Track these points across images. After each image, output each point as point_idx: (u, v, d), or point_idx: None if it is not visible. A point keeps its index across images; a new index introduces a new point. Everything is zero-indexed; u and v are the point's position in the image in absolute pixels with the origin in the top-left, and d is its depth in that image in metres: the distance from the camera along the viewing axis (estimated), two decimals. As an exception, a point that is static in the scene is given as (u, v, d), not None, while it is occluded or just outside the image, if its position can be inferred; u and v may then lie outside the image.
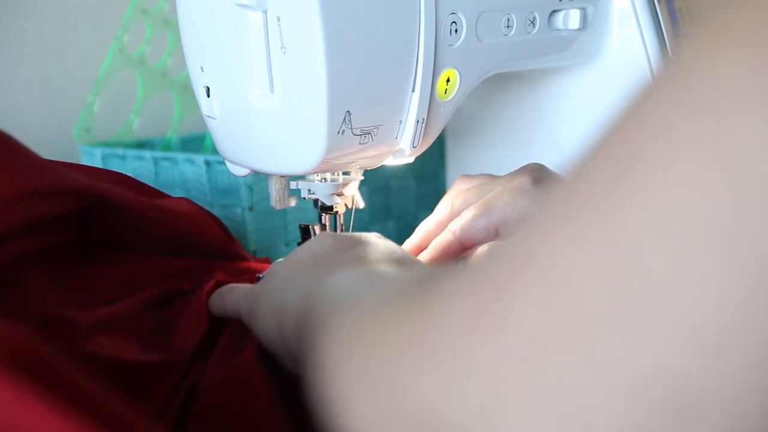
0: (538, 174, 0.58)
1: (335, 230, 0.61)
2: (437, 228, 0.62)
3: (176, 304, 0.51)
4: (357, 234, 0.50)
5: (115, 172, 0.56)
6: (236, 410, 0.41)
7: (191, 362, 0.46)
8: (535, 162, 0.60)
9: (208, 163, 0.75)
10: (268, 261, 0.62)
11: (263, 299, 0.46)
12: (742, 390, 0.22)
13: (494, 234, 0.58)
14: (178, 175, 0.78)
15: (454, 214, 0.61)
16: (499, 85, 0.77)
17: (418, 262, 0.46)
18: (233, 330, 0.49)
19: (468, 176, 0.64)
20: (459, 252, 0.59)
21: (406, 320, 0.28)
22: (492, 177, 0.62)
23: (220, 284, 0.53)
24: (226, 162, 0.59)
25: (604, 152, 0.25)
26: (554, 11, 0.65)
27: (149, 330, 0.48)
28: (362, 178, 0.61)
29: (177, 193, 0.78)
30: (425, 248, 0.61)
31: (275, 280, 0.47)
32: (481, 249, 0.56)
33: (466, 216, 0.58)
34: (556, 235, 0.25)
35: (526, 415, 0.24)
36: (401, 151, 0.57)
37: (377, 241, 0.48)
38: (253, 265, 0.59)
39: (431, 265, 0.39)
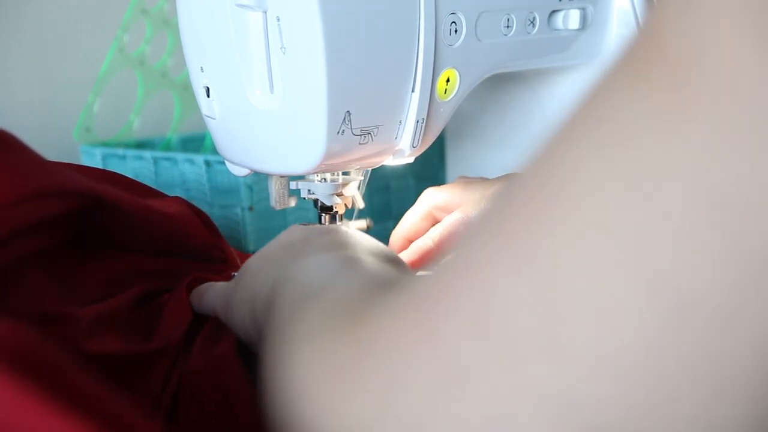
0: None
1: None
2: (418, 224, 0.64)
3: (162, 300, 0.52)
4: (328, 225, 0.51)
5: (107, 171, 0.56)
6: (215, 398, 0.42)
7: (179, 351, 0.46)
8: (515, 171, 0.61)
9: (208, 163, 0.75)
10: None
11: (236, 293, 0.47)
12: (657, 417, 0.22)
13: None
14: (178, 175, 0.78)
15: (437, 208, 0.63)
16: (499, 85, 0.77)
17: (386, 255, 0.46)
18: (214, 322, 0.50)
19: (466, 177, 0.65)
20: (437, 256, 0.60)
21: (351, 335, 0.29)
22: (481, 180, 0.63)
23: (199, 280, 0.53)
24: (226, 162, 0.59)
25: (534, 176, 0.26)
26: (554, 11, 0.65)
27: (139, 324, 0.49)
28: (362, 178, 0.61)
29: (177, 193, 0.78)
30: (407, 238, 0.64)
31: (247, 274, 0.47)
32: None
33: (445, 223, 0.60)
34: (480, 260, 0.25)
35: None
36: (401, 151, 0.57)
37: (347, 231, 0.49)
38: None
39: (396, 269, 0.40)
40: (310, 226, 0.51)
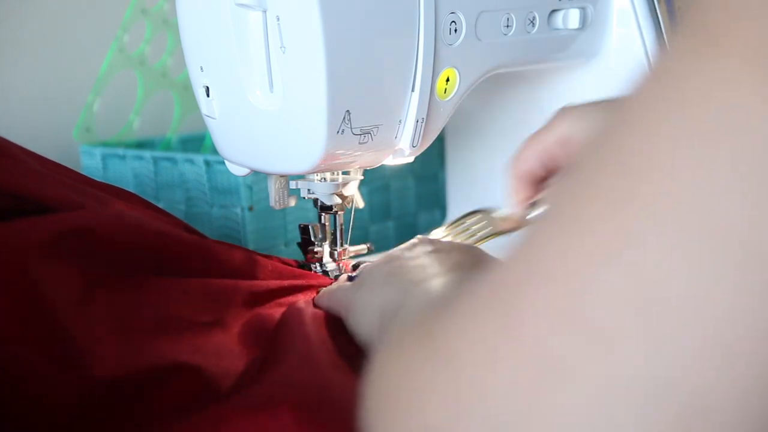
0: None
1: (335, 230, 0.61)
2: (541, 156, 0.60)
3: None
4: (452, 245, 0.53)
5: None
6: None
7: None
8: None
9: (207, 163, 0.75)
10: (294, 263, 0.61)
11: (362, 298, 0.49)
12: (750, 395, 0.22)
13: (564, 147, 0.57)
14: (177, 175, 0.78)
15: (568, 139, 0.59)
16: (499, 85, 0.77)
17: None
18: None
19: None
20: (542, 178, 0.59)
21: (427, 343, 0.28)
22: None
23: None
24: (226, 162, 0.59)
25: (609, 142, 0.25)
26: (554, 11, 0.65)
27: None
28: (362, 177, 0.61)
29: (177, 194, 0.78)
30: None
31: (375, 281, 0.49)
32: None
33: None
34: (561, 251, 0.24)
35: None
36: (401, 150, 0.57)
37: (472, 254, 0.50)
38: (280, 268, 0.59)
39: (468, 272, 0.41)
40: (438, 243, 0.52)
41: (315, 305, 0.54)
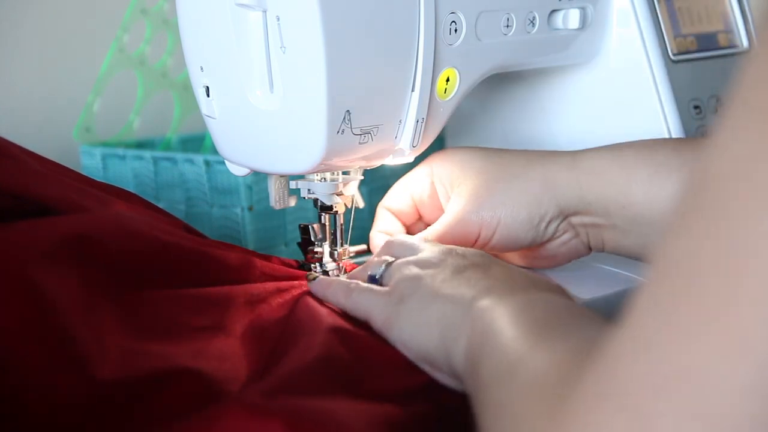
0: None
1: (335, 230, 0.61)
2: (408, 195, 0.64)
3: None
4: (470, 249, 0.53)
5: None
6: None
7: None
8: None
9: (207, 163, 0.75)
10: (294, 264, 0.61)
11: (412, 311, 0.48)
12: None
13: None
14: (177, 175, 0.78)
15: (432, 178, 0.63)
16: (499, 85, 0.77)
17: (558, 289, 0.48)
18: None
19: (466, 152, 0.64)
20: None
21: (560, 420, 0.29)
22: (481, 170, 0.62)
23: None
24: (226, 162, 0.59)
25: (705, 233, 0.25)
26: (554, 11, 0.65)
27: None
28: (362, 177, 0.61)
29: (177, 194, 0.78)
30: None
31: (419, 295, 0.48)
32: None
33: (440, 230, 0.60)
34: (682, 345, 0.25)
35: None
36: (401, 150, 0.57)
37: (497, 260, 0.51)
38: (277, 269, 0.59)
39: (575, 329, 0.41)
40: (457, 248, 0.53)
41: (311, 294, 0.54)
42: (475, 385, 0.40)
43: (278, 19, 0.50)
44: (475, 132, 0.82)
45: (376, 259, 0.57)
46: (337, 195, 0.60)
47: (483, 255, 0.53)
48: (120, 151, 0.82)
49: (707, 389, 0.24)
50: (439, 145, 0.86)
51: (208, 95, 0.56)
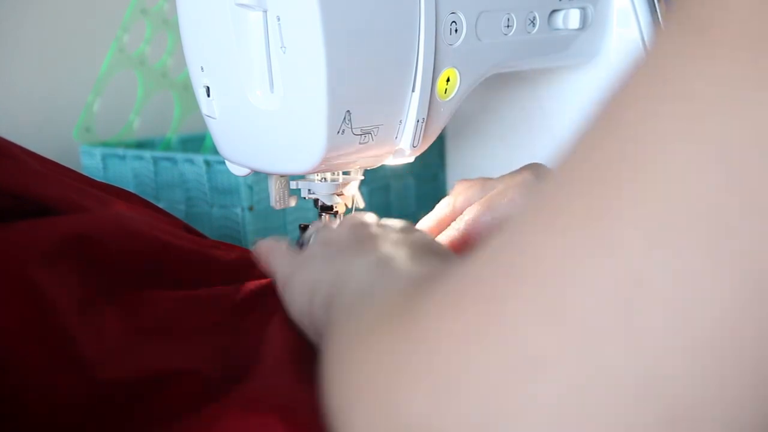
0: (539, 171, 0.58)
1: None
2: (438, 225, 0.62)
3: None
4: (396, 221, 0.51)
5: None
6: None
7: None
8: (535, 162, 0.60)
9: (208, 163, 0.75)
10: None
11: (298, 275, 0.48)
12: (738, 399, 0.22)
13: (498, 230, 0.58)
14: (178, 175, 0.78)
15: (456, 212, 0.61)
16: (499, 85, 0.77)
17: (442, 251, 0.47)
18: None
19: (466, 180, 0.64)
20: (463, 248, 0.59)
21: (403, 331, 0.28)
22: (485, 179, 0.62)
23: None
24: (226, 162, 0.59)
25: (593, 141, 0.25)
26: (554, 11, 0.65)
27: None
28: (362, 177, 0.61)
29: (177, 194, 0.78)
30: None
31: (312, 258, 0.48)
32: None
33: (470, 213, 0.58)
34: (546, 243, 0.24)
35: (525, 427, 0.23)
36: (401, 150, 0.57)
37: (414, 230, 0.49)
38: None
39: (435, 265, 0.39)
40: (379, 221, 0.51)
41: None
42: (327, 329, 0.38)
43: (278, 19, 0.50)
44: (475, 132, 0.82)
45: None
46: (338, 195, 0.60)
47: (400, 223, 0.51)
48: (120, 151, 0.82)
49: (561, 282, 0.23)
50: (439, 145, 0.86)
51: (208, 95, 0.56)
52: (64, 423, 0.39)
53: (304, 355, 0.46)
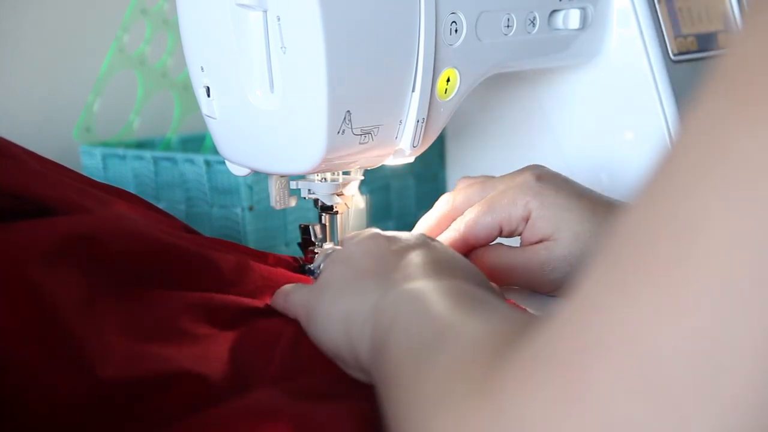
0: (540, 172, 0.58)
1: (335, 230, 0.61)
2: (438, 224, 0.62)
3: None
4: (407, 234, 0.51)
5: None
6: None
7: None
8: (535, 163, 0.60)
9: (208, 163, 0.75)
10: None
11: (323, 305, 0.46)
12: None
13: (498, 231, 0.58)
14: (178, 175, 0.78)
15: (455, 210, 0.61)
16: (499, 85, 0.77)
17: (477, 275, 0.46)
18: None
19: (469, 177, 0.64)
20: (463, 249, 0.59)
21: (488, 405, 0.28)
22: (489, 177, 0.62)
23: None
24: (226, 162, 0.59)
25: (655, 203, 0.25)
26: (554, 11, 0.65)
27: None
28: (362, 177, 0.61)
29: (177, 194, 0.78)
30: None
31: (333, 287, 0.47)
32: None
33: (471, 214, 0.58)
34: (623, 305, 0.24)
35: None
36: (401, 151, 0.57)
37: (431, 245, 0.49)
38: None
39: (494, 309, 0.39)
40: (396, 235, 0.51)
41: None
42: (383, 373, 0.38)
43: (279, 20, 0.50)
44: (475, 132, 0.82)
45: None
46: (338, 195, 0.60)
47: (418, 237, 0.51)
48: (120, 151, 0.82)
49: (645, 351, 0.23)
50: (439, 145, 0.86)
51: (208, 95, 0.56)
52: (64, 423, 0.39)
53: (315, 367, 0.46)
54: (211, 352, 0.45)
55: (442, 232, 0.60)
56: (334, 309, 0.45)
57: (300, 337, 0.48)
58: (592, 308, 0.26)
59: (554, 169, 0.60)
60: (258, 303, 0.52)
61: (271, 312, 0.52)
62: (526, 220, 0.57)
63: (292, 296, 0.51)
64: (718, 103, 0.24)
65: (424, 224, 0.63)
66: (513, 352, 0.28)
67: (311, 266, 0.55)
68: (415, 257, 0.46)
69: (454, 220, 0.60)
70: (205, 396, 0.42)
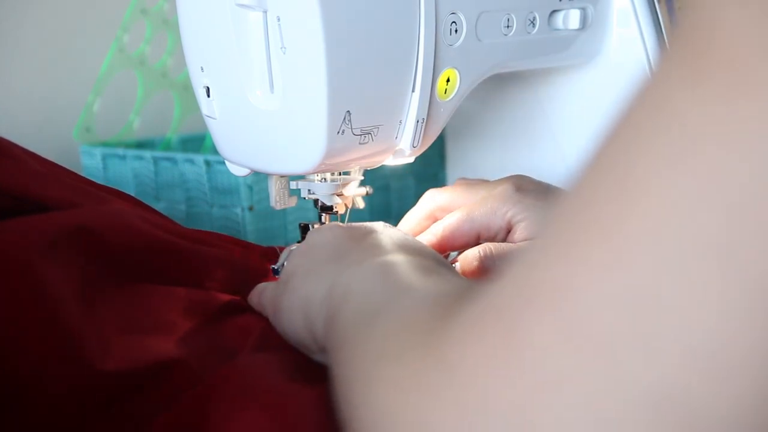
0: (520, 183, 0.59)
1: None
2: (419, 223, 0.63)
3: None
4: (366, 223, 0.52)
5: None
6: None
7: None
8: (519, 174, 0.61)
9: (208, 163, 0.75)
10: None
11: (285, 296, 0.48)
12: (746, 408, 0.23)
13: (476, 239, 0.59)
14: (178, 175, 0.78)
15: (439, 209, 0.62)
16: (499, 85, 0.77)
17: (432, 255, 0.47)
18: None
19: (466, 179, 0.64)
20: (439, 251, 0.59)
21: (433, 356, 0.29)
22: (482, 181, 0.63)
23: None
24: (226, 162, 0.59)
25: (600, 168, 0.26)
26: (554, 11, 0.65)
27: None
28: (362, 177, 0.61)
29: (177, 194, 0.78)
30: None
31: (295, 276, 0.48)
32: (471, 254, 0.56)
33: (449, 220, 0.59)
34: (559, 264, 0.25)
35: None
36: (401, 151, 0.57)
37: (388, 230, 0.50)
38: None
39: (447, 279, 0.40)
40: (352, 225, 0.52)
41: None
42: (333, 340, 0.39)
43: (278, 20, 0.50)
44: (475, 132, 0.82)
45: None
46: (338, 195, 0.60)
47: (376, 224, 0.52)
48: (120, 151, 0.82)
49: (578, 303, 0.24)
50: (439, 145, 0.86)
51: (208, 95, 0.56)
52: (64, 414, 0.39)
53: (294, 356, 0.46)
54: (201, 343, 0.46)
55: (422, 231, 0.61)
56: (294, 297, 0.47)
57: (269, 331, 0.49)
58: (533, 265, 0.27)
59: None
60: (242, 300, 0.54)
61: (248, 308, 0.53)
62: (508, 230, 0.58)
63: (263, 294, 0.53)
64: (668, 72, 0.25)
65: (407, 222, 0.64)
66: (460, 308, 0.29)
67: (275, 266, 0.56)
68: (372, 240, 0.47)
69: (435, 220, 0.61)
70: (194, 386, 0.42)
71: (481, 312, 0.28)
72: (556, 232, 0.26)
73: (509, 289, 0.27)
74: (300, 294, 0.46)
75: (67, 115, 0.90)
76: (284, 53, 0.51)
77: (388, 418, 0.29)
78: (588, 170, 0.26)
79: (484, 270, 0.57)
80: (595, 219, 0.25)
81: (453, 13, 0.57)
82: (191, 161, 0.76)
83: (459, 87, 0.59)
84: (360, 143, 0.54)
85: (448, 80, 0.58)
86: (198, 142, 0.93)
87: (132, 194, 0.61)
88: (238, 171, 0.59)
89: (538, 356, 0.25)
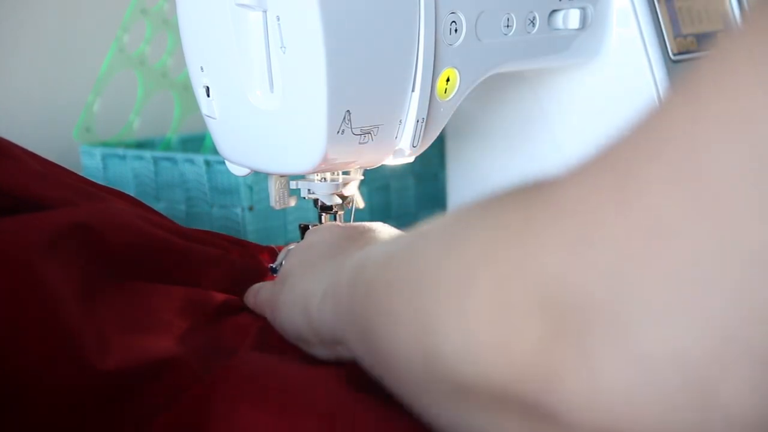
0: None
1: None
2: None
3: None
4: (364, 223, 0.52)
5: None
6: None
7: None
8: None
9: (208, 163, 0.75)
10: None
11: (283, 294, 0.48)
12: None
13: None
14: (178, 175, 0.78)
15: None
16: (499, 85, 0.77)
17: None
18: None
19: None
20: None
21: (535, 202, 0.28)
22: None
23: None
24: (226, 162, 0.59)
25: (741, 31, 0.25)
26: (554, 11, 0.65)
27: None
28: (362, 177, 0.61)
29: (177, 194, 0.78)
30: None
31: (293, 276, 0.48)
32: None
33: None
34: (678, 119, 0.25)
35: (651, 292, 0.24)
36: (401, 150, 0.57)
37: (386, 229, 0.50)
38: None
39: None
40: (348, 224, 0.52)
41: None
42: (374, 310, 0.35)
43: (278, 19, 0.50)
44: (475, 132, 0.82)
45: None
46: (338, 195, 0.60)
47: (374, 223, 0.51)
48: (120, 151, 0.82)
49: (701, 162, 0.23)
50: (439, 145, 0.86)
51: (208, 95, 0.56)
52: (64, 414, 0.39)
53: (293, 353, 0.47)
54: (198, 343, 0.46)
55: None
56: (292, 294, 0.47)
57: (267, 330, 0.50)
58: (649, 122, 0.26)
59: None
60: (240, 299, 0.54)
61: (247, 307, 0.53)
62: None
63: (260, 294, 0.52)
64: (678, 95, 0.25)
65: None
66: (550, 186, 0.29)
67: (273, 265, 0.56)
68: (370, 237, 0.47)
69: None
70: (193, 385, 0.42)
71: (594, 162, 0.27)
72: (684, 89, 0.26)
73: (625, 144, 0.26)
74: (298, 290, 0.46)
75: (67, 115, 0.90)
76: (284, 53, 0.51)
77: (481, 263, 0.28)
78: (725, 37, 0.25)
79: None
80: (728, 78, 0.24)
81: (453, 13, 0.57)
82: (191, 161, 0.76)
83: (459, 87, 0.59)
84: (360, 143, 0.54)
85: (448, 80, 0.58)
86: (198, 142, 0.93)
87: (132, 194, 0.61)
88: (238, 171, 0.59)
89: (647, 208, 0.24)
